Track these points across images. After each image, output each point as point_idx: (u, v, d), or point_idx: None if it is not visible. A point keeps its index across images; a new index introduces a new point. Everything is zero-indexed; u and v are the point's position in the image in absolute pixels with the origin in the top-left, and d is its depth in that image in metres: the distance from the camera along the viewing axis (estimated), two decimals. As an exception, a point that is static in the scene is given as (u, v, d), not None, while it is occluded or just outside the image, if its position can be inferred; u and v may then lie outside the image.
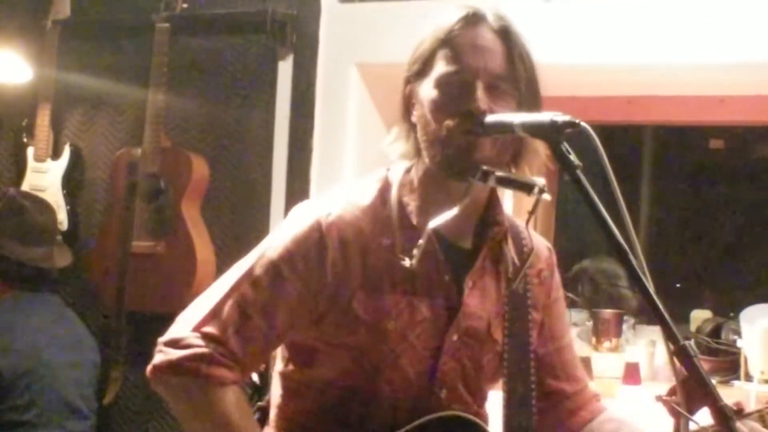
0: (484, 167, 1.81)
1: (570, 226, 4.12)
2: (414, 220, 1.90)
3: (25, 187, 4.06)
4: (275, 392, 2.03)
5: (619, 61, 3.42)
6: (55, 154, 4.10)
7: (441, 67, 1.87)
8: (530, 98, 1.88)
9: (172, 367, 1.84)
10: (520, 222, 2.05)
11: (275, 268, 1.86)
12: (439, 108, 1.86)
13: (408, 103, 1.94)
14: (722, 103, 3.61)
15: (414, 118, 1.92)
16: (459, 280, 1.94)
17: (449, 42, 1.87)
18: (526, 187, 1.81)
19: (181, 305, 3.92)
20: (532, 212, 1.86)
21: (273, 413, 2.02)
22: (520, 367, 2.00)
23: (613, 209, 1.63)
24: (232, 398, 1.85)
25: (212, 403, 1.84)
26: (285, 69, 3.85)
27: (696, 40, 3.31)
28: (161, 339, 1.89)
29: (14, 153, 4.22)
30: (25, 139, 4.13)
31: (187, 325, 1.88)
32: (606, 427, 2.11)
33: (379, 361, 1.88)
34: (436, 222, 1.83)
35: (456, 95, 1.85)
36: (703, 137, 4.34)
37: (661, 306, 1.55)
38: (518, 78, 1.86)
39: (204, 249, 3.83)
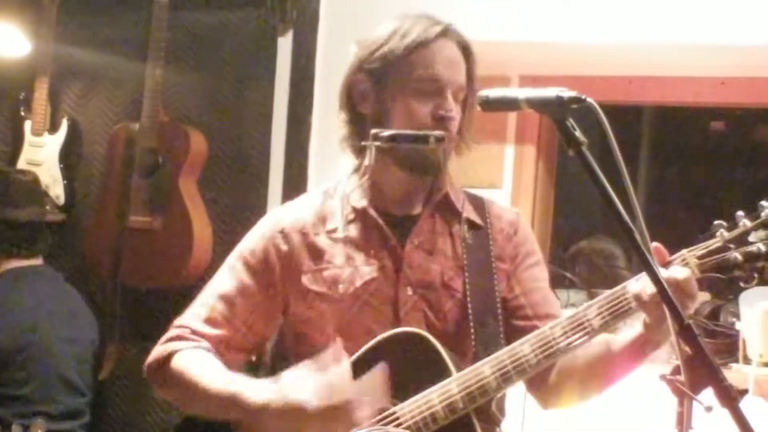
0: (373, 131, 2.10)
1: (569, 206, 4.11)
2: (356, 203, 2.21)
3: (22, 160, 4.05)
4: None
5: (620, 41, 3.41)
6: (53, 128, 4.08)
7: (419, 71, 2.14)
8: (473, 108, 2.18)
9: (151, 357, 2.22)
10: (486, 198, 2.33)
11: (230, 265, 2.26)
12: (417, 108, 2.13)
13: (357, 91, 2.20)
14: (723, 85, 3.59)
15: (363, 108, 2.20)
16: (405, 242, 2.21)
17: (425, 50, 2.14)
18: (421, 140, 2.08)
19: (177, 280, 3.93)
20: (443, 163, 2.16)
21: None
22: (487, 306, 2.18)
23: (617, 187, 1.62)
24: (187, 358, 2.15)
25: (174, 373, 2.15)
26: (285, 45, 3.84)
27: (698, 22, 3.30)
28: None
29: (11, 127, 4.20)
30: (22, 113, 4.11)
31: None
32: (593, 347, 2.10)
33: (340, 323, 2.15)
34: (353, 196, 2.21)
35: (429, 98, 2.14)
36: (703, 119, 4.33)
37: (666, 285, 1.55)
38: (473, 91, 2.17)
39: (201, 224, 3.82)
